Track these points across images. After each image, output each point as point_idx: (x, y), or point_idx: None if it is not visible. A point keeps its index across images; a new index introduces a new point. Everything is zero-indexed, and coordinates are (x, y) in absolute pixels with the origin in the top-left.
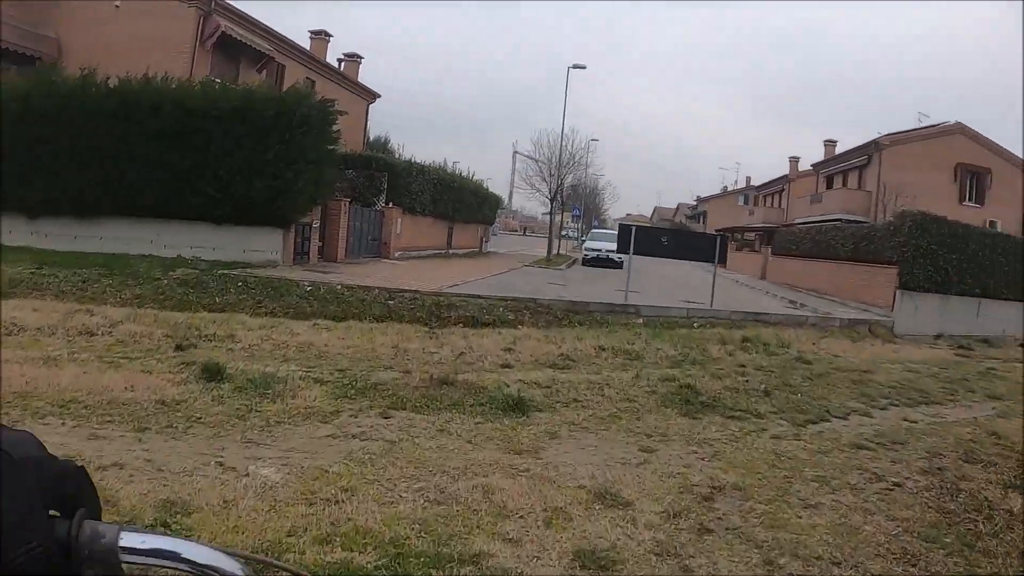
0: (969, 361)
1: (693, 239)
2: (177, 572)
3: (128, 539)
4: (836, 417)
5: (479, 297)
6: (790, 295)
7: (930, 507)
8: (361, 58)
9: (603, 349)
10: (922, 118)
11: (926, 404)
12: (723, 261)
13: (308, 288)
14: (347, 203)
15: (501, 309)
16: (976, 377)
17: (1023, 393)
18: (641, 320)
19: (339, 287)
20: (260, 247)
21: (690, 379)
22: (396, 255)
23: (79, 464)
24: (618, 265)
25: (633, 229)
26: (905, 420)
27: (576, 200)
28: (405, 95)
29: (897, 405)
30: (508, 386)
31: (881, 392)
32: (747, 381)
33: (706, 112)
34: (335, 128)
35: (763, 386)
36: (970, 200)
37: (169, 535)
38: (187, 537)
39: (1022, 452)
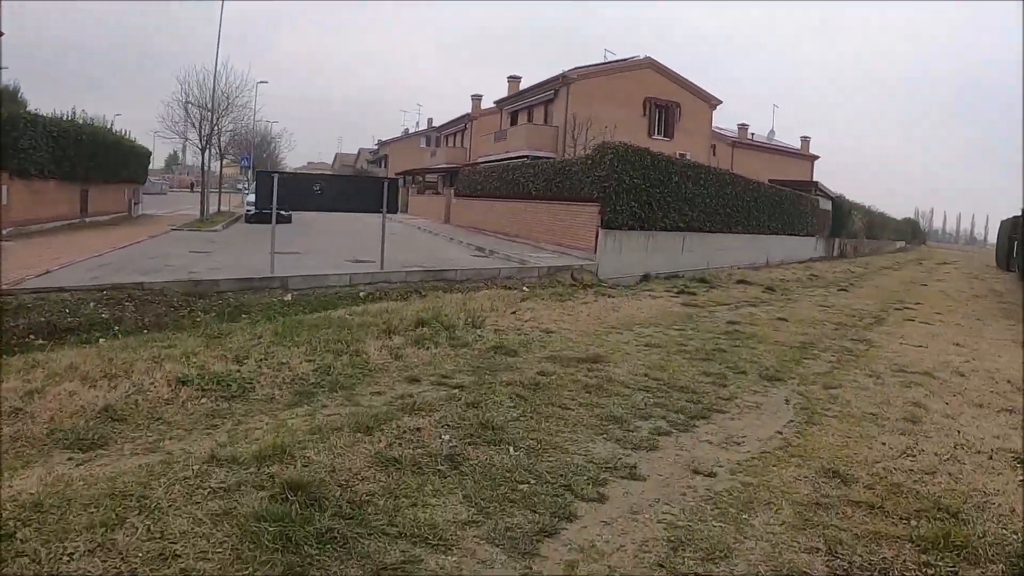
0: (701, 312)
1: (355, 185)
2: None
3: None
4: (585, 500)
5: (65, 290)
6: (478, 240)
7: None
8: None
9: (185, 383)
10: (608, 55)
11: (702, 417)
12: (394, 209)
13: None
14: None
15: (92, 305)
16: (727, 342)
17: (800, 379)
18: (289, 297)
19: None
20: None
21: (310, 456)
22: (5, 232)
23: None
24: (289, 220)
25: (275, 178)
26: (695, 472)
27: (244, 149)
28: (55, 40)
29: (667, 432)
30: None
31: (633, 404)
32: (419, 432)
33: (391, 56)
34: None
35: (448, 440)
36: (659, 134)
37: None
38: None
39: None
